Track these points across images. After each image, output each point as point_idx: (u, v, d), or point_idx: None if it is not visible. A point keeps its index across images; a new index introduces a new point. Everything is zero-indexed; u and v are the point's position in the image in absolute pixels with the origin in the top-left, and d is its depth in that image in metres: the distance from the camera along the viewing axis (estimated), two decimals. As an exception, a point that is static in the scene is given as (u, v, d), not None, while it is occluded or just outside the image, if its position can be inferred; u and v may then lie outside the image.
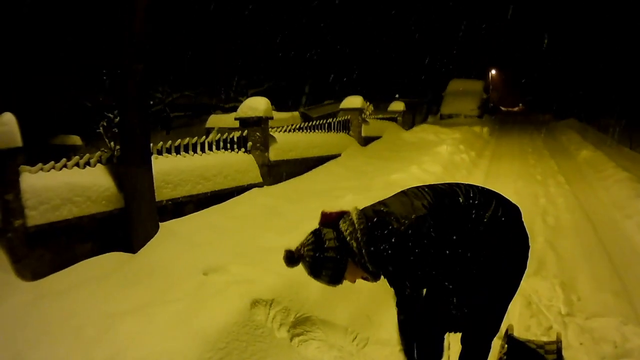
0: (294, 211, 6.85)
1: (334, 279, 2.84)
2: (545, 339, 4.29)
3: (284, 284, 4.23)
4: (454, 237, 2.71)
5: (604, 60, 28.10)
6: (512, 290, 2.90)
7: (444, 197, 2.84)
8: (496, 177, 12.03)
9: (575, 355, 4.02)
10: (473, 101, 25.52)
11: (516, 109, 51.08)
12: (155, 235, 5.61)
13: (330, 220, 2.92)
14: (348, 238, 2.75)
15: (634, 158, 14.03)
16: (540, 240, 7.05)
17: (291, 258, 2.90)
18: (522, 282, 2.91)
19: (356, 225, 2.75)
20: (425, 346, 3.16)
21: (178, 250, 5.21)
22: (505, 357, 3.71)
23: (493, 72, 53.59)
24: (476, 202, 2.81)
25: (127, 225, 5.60)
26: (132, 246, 5.46)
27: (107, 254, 5.32)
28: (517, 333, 4.02)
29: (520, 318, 4.79)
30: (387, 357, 4.08)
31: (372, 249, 2.71)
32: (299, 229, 5.62)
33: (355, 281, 2.93)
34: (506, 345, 3.75)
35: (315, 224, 5.79)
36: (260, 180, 8.52)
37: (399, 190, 3.06)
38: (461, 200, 2.81)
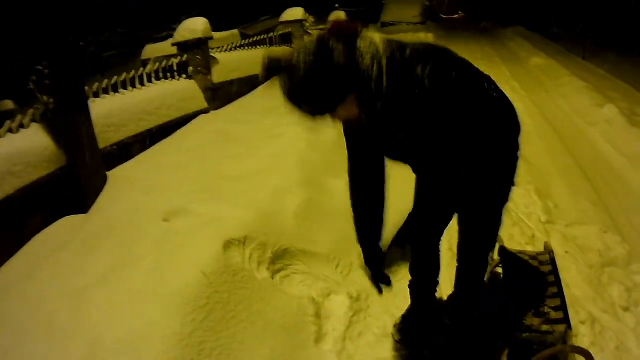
0: (248, 133, 6.58)
1: (324, 107, 2.21)
2: (530, 248, 4.31)
3: (255, 217, 3.96)
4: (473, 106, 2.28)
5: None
6: (513, 172, 2.60)
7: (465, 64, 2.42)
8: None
9: (564, 264, 3.97)
10: (415, 8, 25.21)
11: (456, 16, 50.92)
12: (105, 187, 5.13)
13: (342, 32, 2.12)
14: (367, 60, 2.10)
15: (587, 68, 14.15)
16: None
17: (274, 67, 2.23)
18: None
19: (381, 51, 2.13)
20: (421, 247, 3.05)
21: (132, 198, 4.78)
22: (498, 269, 3.64)
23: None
24: (484, 76, 2.48)
25: (73, 184, 5.07)
26: (83, 206, 4.94)
27: (59, 221, 4.75)
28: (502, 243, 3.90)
29: (503, 227, 4.62)
30: None
31: (394, 83, 2.11)
32: (258, 151, 5.51)
33: (341, 118, 2.31)
34: (499, 258, 3.64)
35: (274, 144, 5.63)
36: (206, 105, 8.12)
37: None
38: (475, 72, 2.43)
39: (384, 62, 2.10)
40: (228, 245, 3.53)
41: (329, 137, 5.94)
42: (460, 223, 2.80)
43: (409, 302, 3.46)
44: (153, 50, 13.22)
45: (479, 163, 2.39)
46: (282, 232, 3.99)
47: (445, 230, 3.03)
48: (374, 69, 2.09)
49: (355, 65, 2.08)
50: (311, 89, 2.11)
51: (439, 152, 2.33)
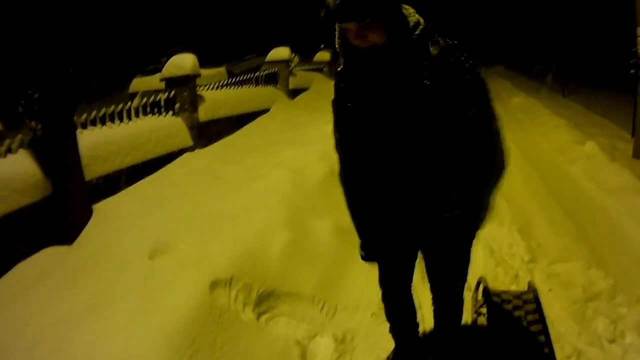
0: (232, 171, 6.61)
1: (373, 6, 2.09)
2: (514, 287, 4.35)
3: (240, 257, 4.00)
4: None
5: (533, 7, 28.59)
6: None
7: None
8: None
9: (548, 301, 4.00)
10: (397, 50, 25.61)
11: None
12: (91, 220, 5.15)
13: None
14: (412, 14, 2.26)
15: (567, 105, 14.34)
16: None
17: None
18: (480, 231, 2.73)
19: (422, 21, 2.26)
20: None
21: (117, 233, 4.80)
22: (482, 309, 3.68)
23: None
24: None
25: (58, 214, 5.08)
26: (67, 236, 4.94)
27: (44, 249, 4.76)
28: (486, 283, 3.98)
29: (486, 268, 4.80)
30: (359, 323, 3.97)
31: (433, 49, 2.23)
32: (243, 190, 5.54)
33: (361, 41, 2.17)
34: (482, 298, 3.70)
35: (259, 184, 5.69)
36: (192, 143, 8.15)
37: None
38: None
39: (422, 25, 2.26)
40: (214, 285, 3.55)
41: (313, 178, 6.01)
42: (427, 263, 2.86)
43: (393, 343, 3.45)
44: (141, 83, 13.30)
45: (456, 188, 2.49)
46: (267, 273, 4.01)
47: (413, 274, 3.01)
48: (413, 21, 2.25)
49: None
50: None
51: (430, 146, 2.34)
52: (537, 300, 3.52)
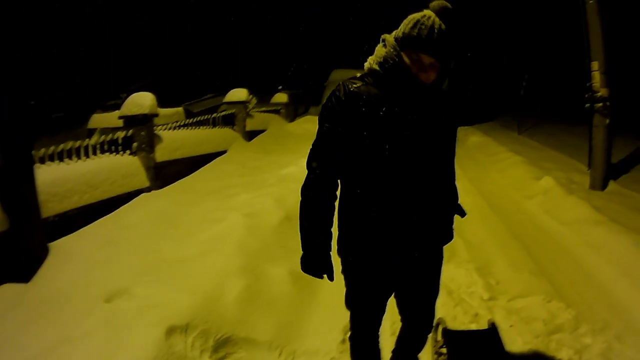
0: (188, 215, 6.64)
1: (446, 53, 2.54)
2: (474, 326, 4.40)
3: (196, 303, 4.00)
4: None
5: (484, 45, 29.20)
6: None
7: None
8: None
9: (510, 337, 4.06)
10: (355, 90, 25.80)
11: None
12: (48, 258, 5.09)
13: None
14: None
15: (523, 142, 14.55)
16: None
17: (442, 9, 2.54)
18: None
19: None
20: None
21: (75, 273, 4.79)
22: (442, 349, 3.69)
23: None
24: None
25: (14, 250, 4.95)
26: (23, 274, 4.85)
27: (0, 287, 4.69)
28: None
29: (445, 308, 4.81)
30: None
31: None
32: (199, 234, 5.57)
33: (424, 75, 2.53)
34: (442, 339, 3.73)
35: (214, 228, 5.72)
36: (148, 184, 8.13)
37: None
38: None
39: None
40: (170, 331, 3.54)
41: (268, 223, 6.05)
42: (404, 300, 3.01)
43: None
44: (100, 119, 13.20)
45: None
46: (224, 320, 4.00)
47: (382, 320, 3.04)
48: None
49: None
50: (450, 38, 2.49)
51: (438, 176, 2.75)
52: (497, 337, 3.57)
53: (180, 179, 9.03)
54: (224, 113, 13.33)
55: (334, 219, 2.80)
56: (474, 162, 12.60)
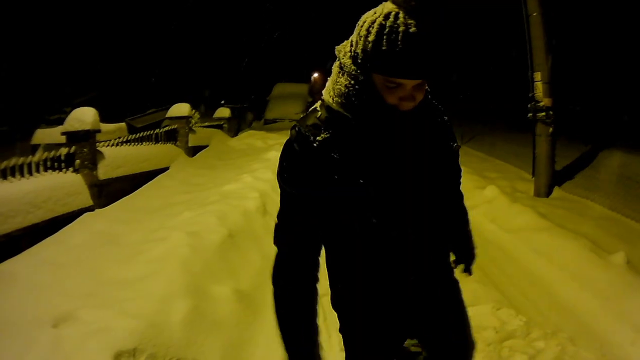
0: (132, 234, 6.60)
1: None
2: None
3: (143, 326, 3.94)
4: None
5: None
6: None
7: None
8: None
9: None
10: (298, 104, 25.82)
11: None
12: None
13: None
14: None
15: (467, 152, 14.69)
16: None
17: None
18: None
19: None
20: None
21: (21, 297, 4.75)
22: None
23: (316, 75, 54.73)
24: None
25: None
26: None
27: None
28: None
29: None
30: None
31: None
32: (142, 255, 5.56)
33: (407, 99, 1.81)
34: None
35: (158, 248, 5.71)
36: (91, 202, 8.04)
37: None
38: None
39: None
40: (118, 357, 3.51)
41: (211, 242, 6.04)
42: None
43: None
44: (44, 135, 13.03)
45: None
46: (171, 342, 3.98)
47: None
48: None
49: None
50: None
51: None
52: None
53: (123, 196, 8.95)
54: (166, 128, 13.25)
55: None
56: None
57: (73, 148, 8.36)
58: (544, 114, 8.97)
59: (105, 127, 10.45)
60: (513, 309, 4.92)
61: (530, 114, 9.19)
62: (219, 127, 18.01)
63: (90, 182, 8.28)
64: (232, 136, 17.57)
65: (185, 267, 5.23)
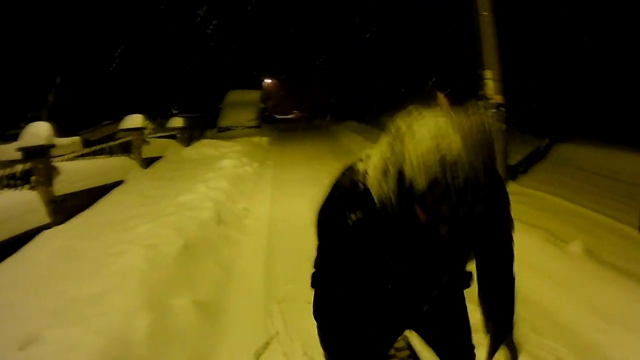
0: (90, 250, 6.56)
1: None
2: None
3: (107, 343, 3.95)
4: None
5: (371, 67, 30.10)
6: None
7: None
8: (283, 186, 12.53)
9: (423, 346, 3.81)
10: (250, 112, 25.98)
11: (291, 115, 52.54)
12: None
13: None
14: None
15: None
16: None
17: None
18: None
19: None
20: None
21: None
22: None
23: (268, 81, 54.89)
24: None
25: None
26: None
27: None
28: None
29: None
30: None
31: None
32: (102, 270, 5.55)
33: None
34: None
35: (116, 262, 5.74)
36: (49, 219, 7.97)
37: None
38: None
39: None
40: None
41: (168, 254, 6.06)
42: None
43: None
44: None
45: None
46: (136, 357, 4.01)
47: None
48: None
49: None
50: None
51: None
52: (409, 346, 3.51)
53: (79, 212, 8.91)
54: (120, 141, 13.18)
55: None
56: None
57: (29, 164, 8.27)
58: (495, 110, 9.20)
59: (60, 141, 10.38)
60: (472, 303, 5.06)
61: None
62: (173, 137, 17.95)
63: (46, 198, 8.19)
64: (186, 146, 17.51)
65: (144, 281, 5.24)
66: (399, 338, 3.00)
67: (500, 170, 9.31)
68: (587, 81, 13.20)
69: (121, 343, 4.06)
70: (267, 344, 4.92)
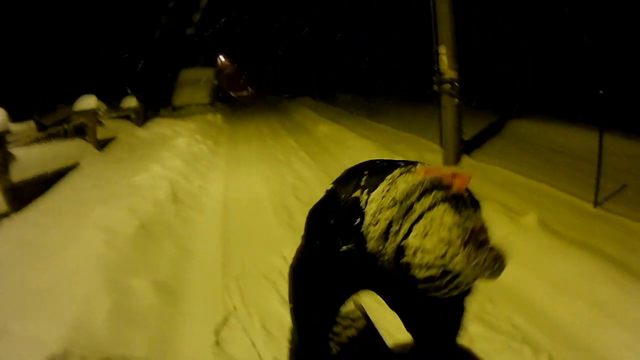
0: (49, 237, 6.44)
1: None
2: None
3: (69, 329, 3.97)
4: None
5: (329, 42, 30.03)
6: None
7: None
8: (237, 163, 12.66)
9: (378, 315, 3.77)
10: (204, 89, 25.90)
11: (245, 93, 52.23)
12: None
13: None
14: None
15: (372, 127, 15.29)
16: (299, 216, 7.66)
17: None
18: None
19: None
20: None
21: None
22: None
23: (222, 58, 54.44)
24: None
25: None
26: None
27: None
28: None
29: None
30: None
31: None
32: (59, 257, 5.56)
33: None
34: None
35: (74, 248, 5.75)
36: (7, 209, 7.81)
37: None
38: None
39: None
40: None
41: (125, 235, 6.13)
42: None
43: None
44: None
45: None
46: (98, 341, 4.01)
47: None
48: None
49: None
50: None
51: None
52: (365, 316, 3.49)
53: (35, 198, 8.73)
54: (74, 123, 13.08)
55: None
56: (325, 151, 13.08)
57: (-16, 153, 8.02)
58: (449, 85, 9.37)
59: (14, 126, 10.23)
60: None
61: (435, 86, 9.58)
62: (127, 117, 17.72)
63: (4, 186, 8.07)
64: (140, 126, 17.37)
65: (102, 264, 5.27)
66: (355, 307, 3.32)
67: (454, 145, 9.54)
68: (544, 60, 13.35)
69: (82, 328, 4.09)
70: (225, 320, 5.06)
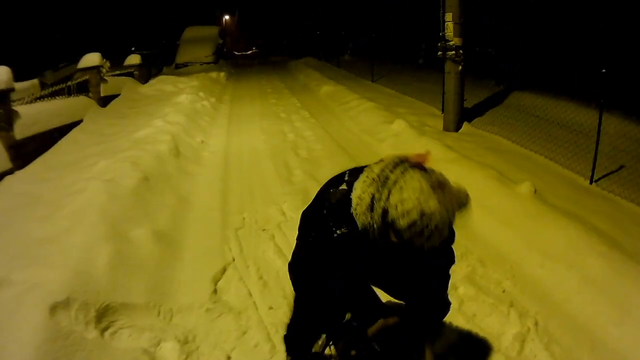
0: (52, 191, 6.51)
1: None
2: None
3: (71, 277, 3.98)
4: None
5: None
6: None
7: None
8: (239, 120, 12.67)
9: None
10: (208, 47, 25.67)
11: (249, 52, 51.90)
12: None
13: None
14: None
15: (377, 90, 15.12)
16: (298, 172, 7.74)
17: None
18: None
19: None
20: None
21: None
22: None
23: (227, 17, 54.05)
24: None
25: None
26: None
27: None
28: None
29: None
30: (196, 322, 4.19)
31: None
32: (63, 209, 5.55)
33: None
34: None
35: (77, 200, 5.77)
36: (11, 165, 7.81)
37: None
38: None
39: None
40: (53, 309, 3.51)
41: (126, 187, 6.13)
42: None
43: (234, 336, 3.90)
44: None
45: None
46: (99, 288, 4.07)
47: None
48: None
49: None
50: None
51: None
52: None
53: (39, 155, 8.78)
54: (78, 80, 12.96)
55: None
56: (327, 110, 13.05)
57: (-11, 110, 8.05)
58: (453, 52, 9.34)
59: (18, 85, 10.20)
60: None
61: (440, 52, 9.54)
62: (130, 74, 17.62)
63: (7, 143, 8.07)
64: (144, 83, 17.31)
65: (104, 215, 5.28)
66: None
67: (455, 111, 9.50)
68: (551, 35, 13.11)
69: (83, 275, 4.11)
70: (224, 270, 5.12)
